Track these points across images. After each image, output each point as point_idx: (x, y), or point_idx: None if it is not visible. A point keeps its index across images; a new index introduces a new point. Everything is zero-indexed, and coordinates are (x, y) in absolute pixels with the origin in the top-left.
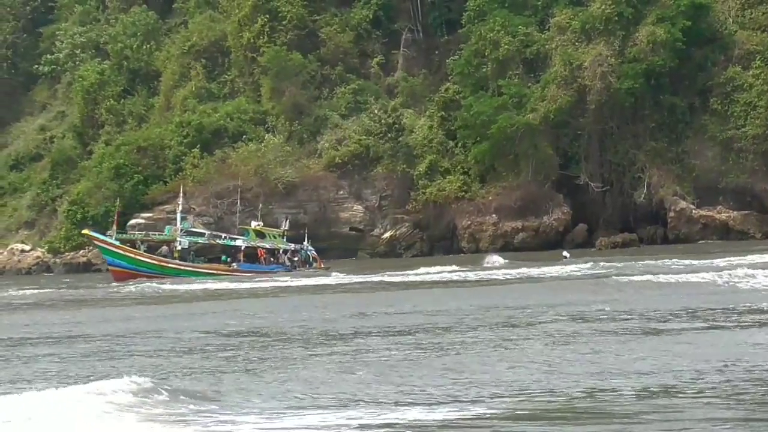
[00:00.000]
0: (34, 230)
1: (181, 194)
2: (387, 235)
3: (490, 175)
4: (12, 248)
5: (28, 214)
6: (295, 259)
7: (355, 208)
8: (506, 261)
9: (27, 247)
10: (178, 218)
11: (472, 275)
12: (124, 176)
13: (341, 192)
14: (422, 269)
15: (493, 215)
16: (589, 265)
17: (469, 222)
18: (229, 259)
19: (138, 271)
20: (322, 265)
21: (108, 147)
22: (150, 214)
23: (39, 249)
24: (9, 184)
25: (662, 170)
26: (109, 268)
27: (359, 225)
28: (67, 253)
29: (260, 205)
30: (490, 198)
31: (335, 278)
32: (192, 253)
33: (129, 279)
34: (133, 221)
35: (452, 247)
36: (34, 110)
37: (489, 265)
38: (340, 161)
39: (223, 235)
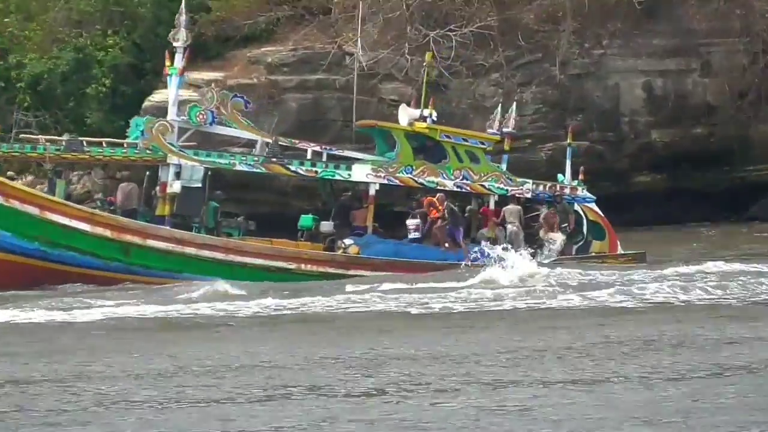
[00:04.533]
0: None
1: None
2: None
3: None
4: None
5: None
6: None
7: None
8: None
9: None
10: (171, 101)
11: None
12: None
13: None
14: None
15: None
16: None
17: None
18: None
19: (72, 265)
20: (620, 250)
21: None
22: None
23: None
24: None
25: None
26: None
27: None
28: None
29: None
30: None
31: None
32: (217, 214)
33: (26, 282)
34: (154, 97)
35: None
36: None
37: None
38: None
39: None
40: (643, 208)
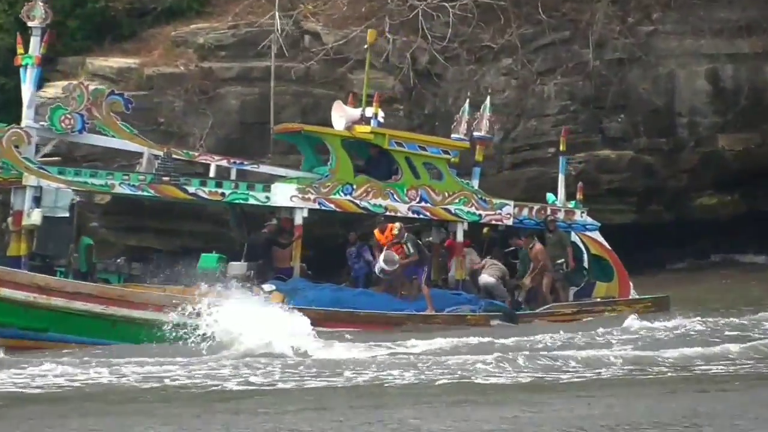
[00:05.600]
0: None
1: None
2: None
3: None
4: None
5: None
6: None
7: None
8: None
9: None
10: (26, 102)
11: None
12: None
13: None
14: None
15: None
16: None
17: None
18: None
19: None
20: (633, 293)
21: None
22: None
23: None
24: None
25: None
26: None
27: None
28: None
29: None
30: None
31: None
32: (91, 254)
33: None
34: (47, 91)
35: None
36: None
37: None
38: None
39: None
40: (706, 239)
